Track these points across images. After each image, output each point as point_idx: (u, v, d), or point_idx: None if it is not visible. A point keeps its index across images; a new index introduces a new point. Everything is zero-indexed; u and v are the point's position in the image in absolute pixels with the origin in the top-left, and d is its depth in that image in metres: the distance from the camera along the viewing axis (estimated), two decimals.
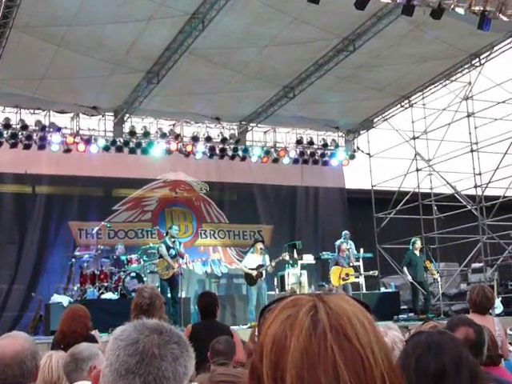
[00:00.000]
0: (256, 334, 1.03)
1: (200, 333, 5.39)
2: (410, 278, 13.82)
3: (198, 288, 15.87)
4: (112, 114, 16.00)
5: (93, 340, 5.40)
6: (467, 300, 5.64)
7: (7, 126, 14.55)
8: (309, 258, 15.04)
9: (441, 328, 3.54)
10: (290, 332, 0.95)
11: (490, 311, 5.74)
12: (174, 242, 12.98)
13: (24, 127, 14.65)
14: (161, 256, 12.79)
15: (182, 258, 12.93)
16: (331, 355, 0.92)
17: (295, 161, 17.69)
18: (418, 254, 13.97)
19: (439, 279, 14.90)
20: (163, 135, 16.03)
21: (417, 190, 17.51)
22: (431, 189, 17.55)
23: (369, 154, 18.42)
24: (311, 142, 17.76)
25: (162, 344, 1.47)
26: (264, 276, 13.49)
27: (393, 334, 3.25)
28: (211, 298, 6.25)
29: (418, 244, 14.10)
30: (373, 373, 0.93)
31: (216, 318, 6.04)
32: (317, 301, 0.98)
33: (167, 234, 13.34)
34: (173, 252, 12.67)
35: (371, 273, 14.40)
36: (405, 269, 13.96)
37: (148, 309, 4.93)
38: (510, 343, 5.79)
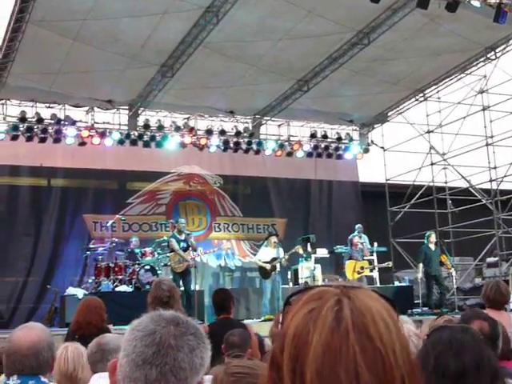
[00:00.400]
0: (280, 321, 1.02)
1: (217, 331, 5.41)
2: (421, 274, 13.78)
3: (212, 281, 15.92)
4: (127, 107, 16.05)
5: (108, 332, 5.44)
6: (482, 295, 5.62)
7: (23, 119, 14.65)
8: (322, 252, 15.04)
9: (455, 322, 3.54)
10: (313, 326, 0.94)
11: (506, 307, 5.71)
12: (188, 234, 12.97)
13: (39, 121, 14.75)
14: (172, 250, 12.82)
15: (195, 251, 12.91)
16: (352, 354, 0.92)
17: (309, 154, 17.66)
18: (433, 248, 13.92)
19: (454, 273, 14.83)
20: (177, 128, 16.07)
21: (431, 184, 17.44)
22: (446, 183, 17.47)
23: (383, 147, 18.35)
24: (325, 136, 17.72)
25: (178, 335, 1.49)
26: (278, 269, 13.50)
27: (407, 327, 3.25)
28: (226, 293, 6.27)
29: (433, 237, 14.05)
30: (393, 373, 0.93)
31: (231, 315, 6.07)
32: (342, 296, 0.97)
33: (174, 227, 13.35)
34: (184, 245, 12.66)
35: (385, 264, 14.36)
36: (420, 265, 13.91)
37: (168, 301, 4.94)
38: None
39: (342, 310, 0.95)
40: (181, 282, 12.48)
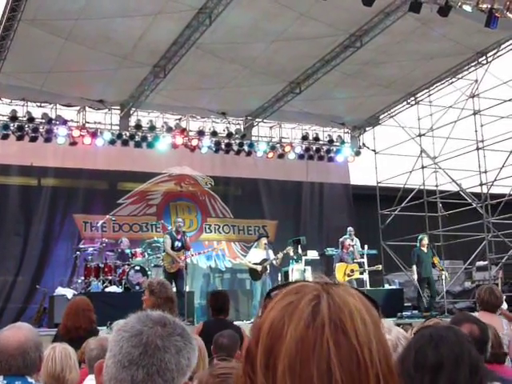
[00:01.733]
0: (259, 314, 1.01)
1: (211, 330, 5.40)
2: (415, 276, 13.80)
3: (203, 282, 15.90)
4: (118, 107, 16.02)
5: (96, 334, 5.42)
6: (476, 298, 5.64)
7: (14, 118, 14.60)
8: (313, 254, 15.05)
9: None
10: (289, 320, 0.93)
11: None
12: (183, 232, 12.88)
13: (30, 120, 14.69)
14: (164, 249, 12.75)
15: (188, 251, 12.81)
16: (326, 350, 0.90)
17: (300, 156, 17.69)
18: (426, 251, 13.94)
19: (447, 275, 14.86)
20: (169, 129, 16.05)
21: (422, 188, 17.48)
22: (436, 186, 17.52)
23: (374, 150, 18.38)
24: (317, 138, 17.76)
25: (165, 336, 1.48)
26: (268, 271, 13.49)
27: (397, 330, 3.25)
28: (226, 297, 6.31)
29: (425, 240, 14.07)
30: (367, 372, 0.91)
31: (227, 316, 6.08)
32: (321, 291, 0.96)
33: (166, 228, 13.25)
34: (179, 244, 12.57)
35: (375, 267, 14.37)
36: (414, 267, 13.94)
37: (177, 300, 4.94)
38: None
39: (319, 304, 0.93)
40: (173, 283, 12.44)
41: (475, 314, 5.42)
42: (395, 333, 3.21)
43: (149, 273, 12.94)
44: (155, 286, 4.99)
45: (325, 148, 17.95)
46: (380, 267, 14.77)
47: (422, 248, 13.91)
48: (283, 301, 0.96)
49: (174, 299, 4.93)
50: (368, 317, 0.95)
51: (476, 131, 16.03)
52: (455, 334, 2.12)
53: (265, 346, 0.93)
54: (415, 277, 13.94)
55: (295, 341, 0.91)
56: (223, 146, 16.80)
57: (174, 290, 11.80)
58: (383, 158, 18.19)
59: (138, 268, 12.81)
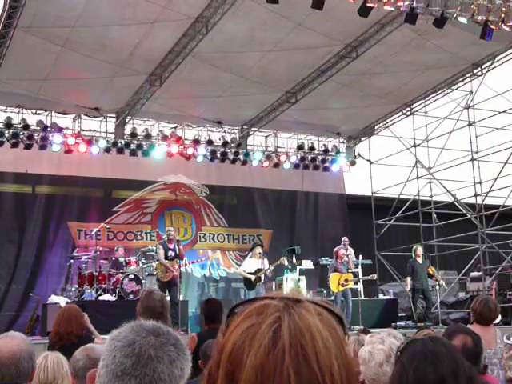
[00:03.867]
0: (222, 333, 0.98)
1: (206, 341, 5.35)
2: (408, 288, 13.79)
3: (197, 292, 15.85)
4: (114, 115, 16.01)
5: (88, 340, 5.40)
6: (471, 309, 5.60)
7: (9, 125, 14.57)
8: (308, 264, 15.03)
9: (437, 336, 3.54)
10: (249, 345, 0.91)
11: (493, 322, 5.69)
12: (177, 240, 12.84)
13: (25, 127, 14.67)
14: (158, 258, 12.72)
15: (181, 260, 12.76)
16: (286, 378, 0.88)
17: (296, 166, 17.70)
18: (421, 261, 13.92)
19: (444, 284, 14.85)
20: (164, 138, 16.05)
21: (417, 198, 17.50)
22: (431, 196, 17.54)
23: (369, 160, 18.41)
24: (312, 148, 17.79)
25: (158, 346, 1.47)
26: (263, 280, 13.47)
27: (390, 341, 3.24)
28: (219, 305, 6.26)
29: (420, 250, 14.06)
30: None
31: (221, 324, 6.03)
32: (283, 312, 0.93)
33: (160, 237, 13.19)
34: (172, 254, 12.54)
35: (370, 277, 14.35)
36: (408, 279, 13.93)
37: (162, 312, 4.88)
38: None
39: (280, 328, 0.91)
40: (167, 292, 12.39)
41: (468, 326, 5.42)
42: (388, 343, 3.21)
43: (143, 281, 12.90)
44: (141, 295, 5.01)
45: (320, 158, 17.98)
46: (375, 276, 14.75)
47: (417, 258, 13.90)
48: (244, 323, 0.94)
49: (156, 309, 4.90)
50: (330, 338, 0.93)
51: (471, 142, 16.07)
52: (445, 346, 2.12)
53: (226, 370, 0.92)
54: (407, 288, 13.93)
55: (255, 368, 0.89)
56: (219, 155, 16.81)
57: (168, 299, 11.81)
58: (378, 168, 18.23)
59: (132, 276, 12.77)
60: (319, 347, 0.90)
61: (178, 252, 12.49)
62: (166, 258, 12.40)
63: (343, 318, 0.98)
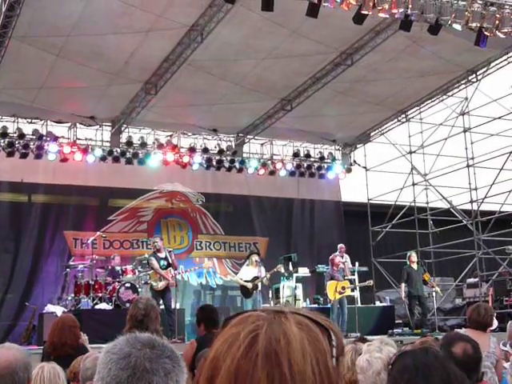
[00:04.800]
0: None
1: (207, 346, 5.35)
2: (404, 294, 13.77)
3: (193, 300, 15.82)
4: (109, 124, 16.00)
5: (84, 351, 5.38)
6: (467, 317, 5.74)
7: (4, 134, 14.57)
8: (304, 271, 15.02)
9: (434, 343, 3.53)
10: (227, 351, 0.94)
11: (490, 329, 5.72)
12: (169, 251, 12.81)
13: (21, 136, 14.66)
14: (152, 268, 12.67)
15: (175, 269, 12.71)
16: (258, 381, 0.90)
17: (292, 173, 17.72)
18: (416, 268, 13.91)
19: (439, 291, 14.84)
20: (160, 146, 16.05)
21: (413, 204, 17.52)
22: (427, 203, 17.56)
23: (365, 167, 18.44)
24: (308, 155, 17.81)
25: (153, 358, 1.46)
26: (259, 288, 13.44)
27: (388, 349, 3.25)
28: (213, 308, 6.30)
29: (414, 257, 14.06)
30: None
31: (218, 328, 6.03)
32: (264, 321, 0.96)
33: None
34: (164, 263, 12.47)
35: (367, 283, 14.32)
36: (402, 285, 13.91)
37: (143, 319, 4.92)
38: (503, 359, 5.77)
39: (257, 335, 0.94)
40: (161, 301, 12.34)
41: (462, 330, 5.45)
42: (386, 352, 3.20)
43: (139, 290, 12.86)
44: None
45: (316, 165, 18.00)
46: (371, 282, 14.74)
47: (412, 265, 13.89)
48: (228, 332, 0.97)
49: (138, 317, 4.94)
50: (309, 346, 0.94)
51: (466, 148, 16.11)
52: (436, 358, 2.11)
53: (207, 376, 0.95)
54: (403, 295, 13.91)
55: (229, 373, 0.92)
56: (214, 163, 16.81)
57: (162, 307, 11.80)
58: (374, 175, 18.26)
59: (128, 285, 12.74)
60: (293, 354, 0.92)
61: (170, 261, 12.45)
62: (159, 267, 12.36)
63: (331, 329, 0.99)
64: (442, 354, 2.26)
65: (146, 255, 14.02)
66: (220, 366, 0.93)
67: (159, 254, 12.47)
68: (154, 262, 12.41)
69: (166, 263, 12.41)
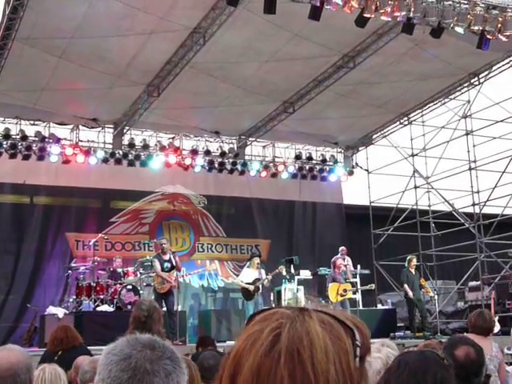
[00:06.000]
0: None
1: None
2: (410, 293, 13.60)
3: (195, 302, 15.81)
4: (112, 126, 16.03)
5: (85, 351, 5.42)
6: (468, 322, 5.73)
7: (7, 136, 14.59)
8: (306, 274, 15.00)
9: (438, 346, 3.53)
10: (250, 349, 0.94)
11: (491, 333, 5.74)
12: (173, 253, 12.76)
13: (24, 138, 14.69)
14: (155, 271, 12.63)
15: (179, 271, 12.69)
16: (280, 379, 0.90)
17: (294, 176, 17.72)
18: (414, 272, 13.89)
19: (436, 297, 14.81)
20: (162, 148, 16.06)
21: (415, 207, 17.50)
22: (429, 206, 17.54)
23: (367, 170, 18.43)
24: (310, 158, 17.81)
25: (154, 359, 1.46)
26: (261, 290, 13.43)
27: (387, 350, 3.24)
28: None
29: (414, 262, 14.02)
30: None
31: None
32: (287, 319, 0.96)
33: (158, 247, 13.00)
34: (168, 265, 12.42)
35: (368, 286, 14.29)
36: (405, 286, 13.86)
37: (146, 321, 4.94)
38: (506, 363, 5.78)
39: (280, 333, 0.94)
40: (163, 303, 12.31)
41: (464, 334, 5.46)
42: (385, 353, 3.20)
43: (141, 292, 12.84)
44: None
45: (318, 167, 18.00)
46: (373, 286, 14.72)
47: (411, 269, 13.85)
48: (251, 329, 0.97)
49: (141, 318, 4.96)
50: (331, 345, 0.94)
51: (468, 151, 16.10)
52: (426, 358, 2.12)
53: (228, 373, 0.95)
54: (410, 294, 13.71)
55: (252, 370, 0.92)
56: (216, 165, 16.82)
57: (164, 309, 11.79)
58: (376, 178, 18.24)
59: (129, 287, 12.72)
60: (316, 352, 0.92)
61: (174, 263, 12.39)
62: (163, 269, 12.25)
63: (356, 327, 0.99)
64: (435, 357, 2.26)
65: (148, 257, 14.01)
66: (243, 364, 0.94)
67: (163, 256, 12.39)
68: (156, 264, 12.35)
69: (169, 265, 12.34)
